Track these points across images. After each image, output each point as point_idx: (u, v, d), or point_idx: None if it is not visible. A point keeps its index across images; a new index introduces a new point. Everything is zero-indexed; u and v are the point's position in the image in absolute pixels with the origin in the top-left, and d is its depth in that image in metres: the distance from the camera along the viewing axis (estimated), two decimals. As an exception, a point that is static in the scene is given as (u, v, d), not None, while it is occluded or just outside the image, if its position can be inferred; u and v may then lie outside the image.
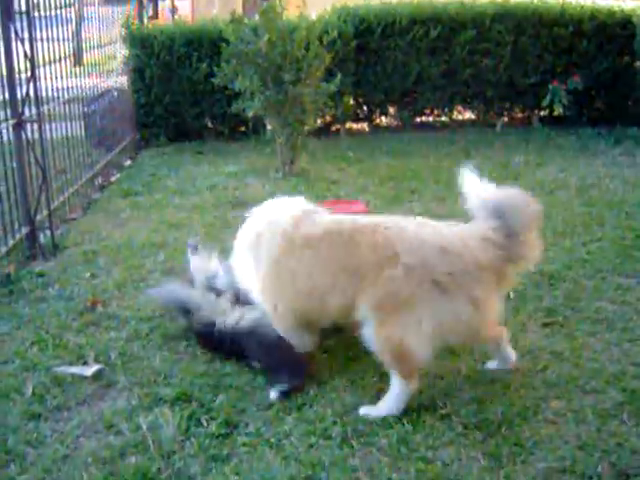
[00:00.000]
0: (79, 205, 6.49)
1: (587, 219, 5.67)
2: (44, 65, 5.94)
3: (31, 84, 5.26)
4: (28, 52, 5.26)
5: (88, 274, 4.80)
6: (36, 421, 3.15)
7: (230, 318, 3.67)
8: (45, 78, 5.92)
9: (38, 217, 5.42)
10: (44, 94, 6.05)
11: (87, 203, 6.64)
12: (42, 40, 6.05)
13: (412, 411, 3.13)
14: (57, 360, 3.66)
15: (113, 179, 7.50)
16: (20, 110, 5.15)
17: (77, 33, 7.98)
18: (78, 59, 7.90)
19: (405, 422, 3.05)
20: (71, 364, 3.62)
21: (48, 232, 5.50)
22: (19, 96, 5.14)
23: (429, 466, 2.78)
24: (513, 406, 3.18)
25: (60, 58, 6.49)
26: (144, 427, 3.06)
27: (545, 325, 3.98)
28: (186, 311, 3.91)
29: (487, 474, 2.75)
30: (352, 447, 2.92)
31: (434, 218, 5.72)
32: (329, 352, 3.70)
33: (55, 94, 6.31)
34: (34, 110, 5.40)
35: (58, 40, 6.49)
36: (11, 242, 5.02)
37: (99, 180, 7.31)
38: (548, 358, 3.61)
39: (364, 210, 5.95)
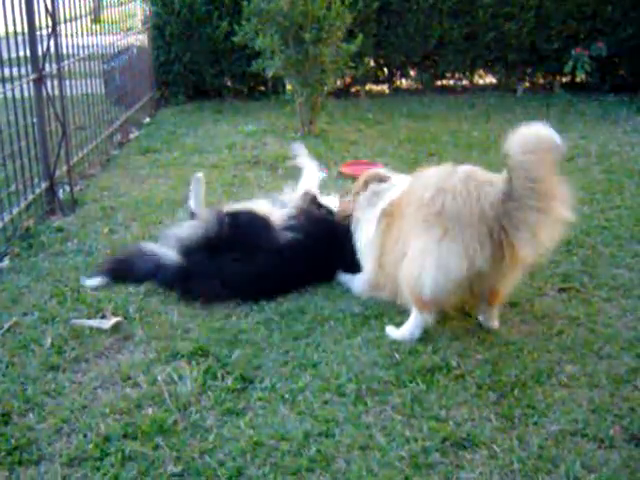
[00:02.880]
0: (98, 161, 6.50)
1: (606, 186, 5.62)
2: (64, 22, 5.90)
3: (52, 40, 5.25)
4: (49, 7, 5.23)
5: (106, 229, 4.83)
6: (55, 372, 3.20)
7: None
8: (65, 35, 5.90)
9: (57, 172, 5.45)
10: (64, 51, 6.05)
11: (106, 159, 6.66)
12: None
13: (426, 371, 3.15)
14: (76, 313, 3.70)
15: (132, 136, 7.51)
16: (41, 65, 5.14)
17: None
18: (96, 16, 7.86)
19: (419, 381, 3.08)
20: (89, 317, 3.67)
21: (67, 187, 5.54)
22: (40, 52, 5.13)
23: (442, 425, 2.81)
24: (527, 369, 3.20)
25: (79, 15, 6.46)
26: (161, 380, 3.10)
27: (561, 290, 3.97)
28: None
29: (499, 434, 2.77)
30: (366, 404, 2.95)
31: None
32: (345, 311, 3.72)
33: (74, 51, 6.29)
34: (54, 66, 5.39)
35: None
36: (30, 197, 5.05)
37: (118, 137, 7.32)
38: (563, 323, 3.62)
39: (383, 172, 5.94)
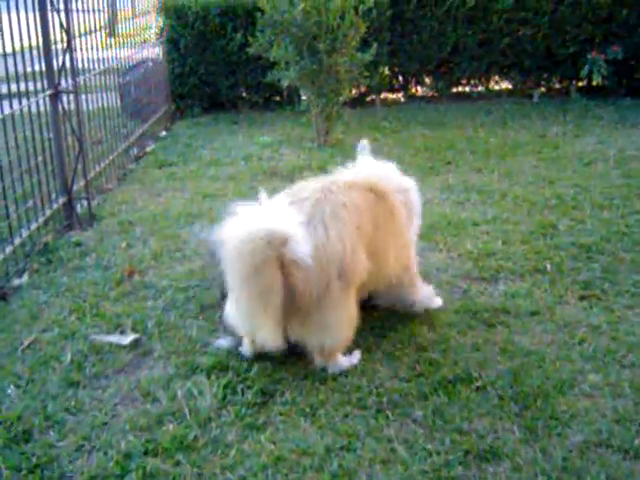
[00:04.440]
0: (115, 176, 6.53)
1: (626, 191, 5.57)
2: (79, 36, 5.94)
3: (67, 54, 5.28)
4: (64, 22, 5.27)
5: (124, 244, 4.84)
6: (75, 388, 3.20)
7: None
8: (80, 49, 5.94)
9: (75, 187, 5.47)
10: (79, 65, 6.09)
11: (122, 174, 6.69)
12: (77, 11, 6.06)
13: (448, 382, 3.13)
14: (95, 329, 3.71)
15: (148, 149, 7.54)
16: (56, 80, 5.17)
17: (111, 4, 7.98)
18: (112, 30, 7.91)
19: (441, 393, 3.05)
20: (109, 333, 3.67)
21: (85, 202, 5.56)
22: (55, 66, 5.16)
23: (464, 437, 2.78)
24: (549, 379, 3.16)
25: (95, 29, 6.51)
26: (180, 395, 3.09)
27: (582, 298, 3.93)
28: None
29: (522, 446, 2.73)
30: (387, 417, 2.93)
31: (470, 189, 5.74)
32: (365, 324, 3.69)
33: (90, 65, 6.32)
34: (70, 81, 5.42)
35: (92, 11, 6.51)
36: (48, 212, 5.08)
37: (134, 151, 7.35)
38: (585, 331, 3.57)
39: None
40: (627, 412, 2.92)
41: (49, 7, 5.08)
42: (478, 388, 3.09)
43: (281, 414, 2.99)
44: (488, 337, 3.54)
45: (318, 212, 3.28)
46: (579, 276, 4.17)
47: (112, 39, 7.56)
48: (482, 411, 2.94)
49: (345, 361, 3.33)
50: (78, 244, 4.87)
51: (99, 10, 6.78)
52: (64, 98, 5.31)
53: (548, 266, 4.29)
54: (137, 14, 8.36)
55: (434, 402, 3.00)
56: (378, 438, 2.81)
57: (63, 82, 5.30)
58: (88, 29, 6.26)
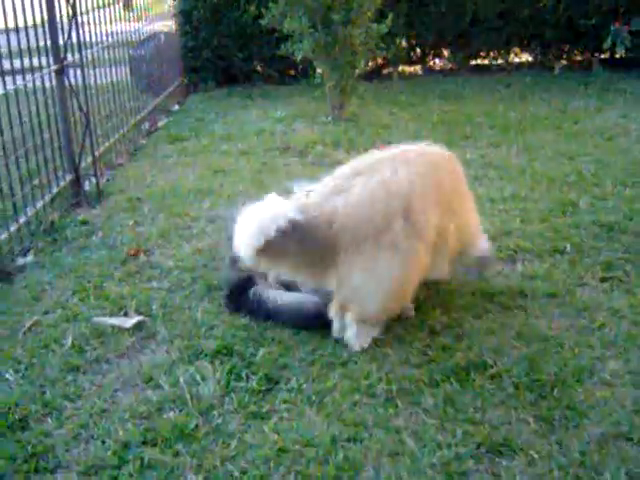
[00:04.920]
0: (125, 151, 6.42)
1: (649, 167, 5.38)
2: (87, 10, 5.80)
3: (73, 29, 5.14)
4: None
5: (132, 221, 4.73)
6: (75, 373, 3.10)
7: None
8: (89, 23, 5.81)
9: (83, 164, 5.37)
10: (89, 39, 5.96)
11: (134, 149, 6.57)
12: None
13: (460, 369, 2.99)
14: (98, 310, 3.60)
15: (160, 124, 7.41)
16: (62, 55, 5.04)
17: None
18: (127, 3, 7.74)
19: (453, 381, 2.92)
20: (112, 315, 3.57)
21: (93, 179, 5.46)
22: (61, 41, 5.03)
23: (477, 429, 2.64)
24: (567, 366, 3.01)
25: (106, 3, 6.37)
26: (183, 382, 2.98)
27: (603, 280, 3.76)
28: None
29: (537, 438, 2.60)
30: (397, 406, 2.80)
31: (488, 164, 5.57)
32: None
33: (101, 39, 6.19)
34: (77, 55, 5.29)
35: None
36: (55, 190, 4.98)
37: (146, 125, 7.23)
38: (605, 315, 3.42)
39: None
40: (649, 402, 2.78)
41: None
42: (492, 376, 2.95)
43: (286, 402, 2.88)
44: (504, 321, 3.39)
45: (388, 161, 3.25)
46: (600, 257, 4.00)
47: (128, 12, 7.39)
48: (496, 400, 2.80)
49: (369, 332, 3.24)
50: (84, 222, 4.77)
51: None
52: (70, 73, 5.19)
53: (568, 246, 4.12)
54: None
55: (446, 390, 2.87)
56: (386, 428, 2.68)
57: (69, 57, 5.17)
58: (99, 2, 6.10)
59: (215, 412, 2.81)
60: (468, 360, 3.05)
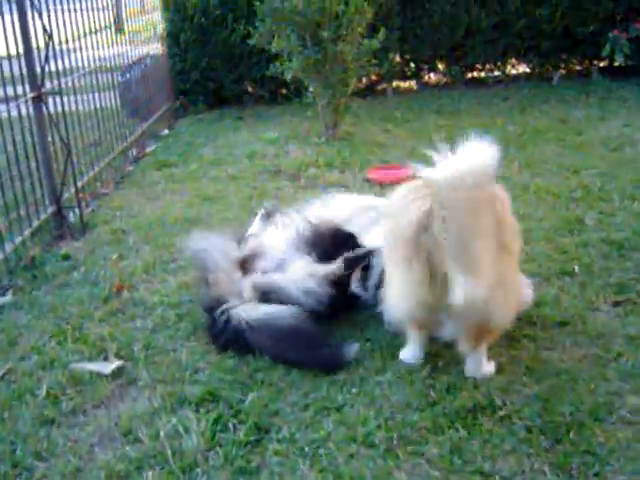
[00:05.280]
0: (111, 179, 6.19)
1: (658, 179, 5.14)
2: (67, 39, 5.59)
3: (51, 56, 4.93)
4: (46, 23, 4.90)
5: (115, 255, 4.49)
6: (48, 427, 2.85)
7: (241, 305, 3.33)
8: (71, 50, 5.63)
9: (65, 195, 5.15)
10: (72, 64, 5.77)
11: (120, 177, 6.34)
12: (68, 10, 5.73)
13: (467, 412, 2.73)
14: (76, 355, 3.35)
15: (148, 150, 7.18)
16: (39, 82, 4.82)
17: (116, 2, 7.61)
18: (118, 27, 7.55)
19: (459, 426, 2.66)
20: (90, 359, 3.32)
21: (77, 210, 5.22)
22: (37, 69, 4.82)
23: (487, 481, 2.40)
24: (583, 403, 2.76)
25: (100, 28, 6.21)
26: (164, 435, 2.73)
27: (616, 304, 3.52)
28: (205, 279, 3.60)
29: (556, 491, 2.35)
30: (397, 457, 2.55)
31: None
32: (373, 342, 3.32)
33: (85, 64, 5.99)
34: (56, 82, 5.08)
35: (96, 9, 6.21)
36: (36, 223, 4.75)
37: (133, 152, 7.00)
38: (621, 343, 3.17)
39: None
40: (676, 443, 2.53)
41: (29, 8, 4.74)
42: (502, 418, 2.70)
43: (277, 454, 2.63)
44: (512, 354, 3.14)
45: None
46: (611, 278, 3.76)
47: (120, 34, 7.21)
48: (507, 447, 2.55)
49: (488, 366, 3.00)
50: (66, 257, 4.52)
51: (101, 9, 6.43)
52: (50, 101, 4.97)
53: (576, 267, 3.88)
54: (143, 11, 8.00)
55: (451, 437, 2.62)
56: (387, 483, 2.43)
57: (48, 84, 4.96)
58: (81, 30, 5.90)
59: (199, 469, 2.56)
60: (475, 401, 2.79)
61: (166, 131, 7.98)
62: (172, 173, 6.26)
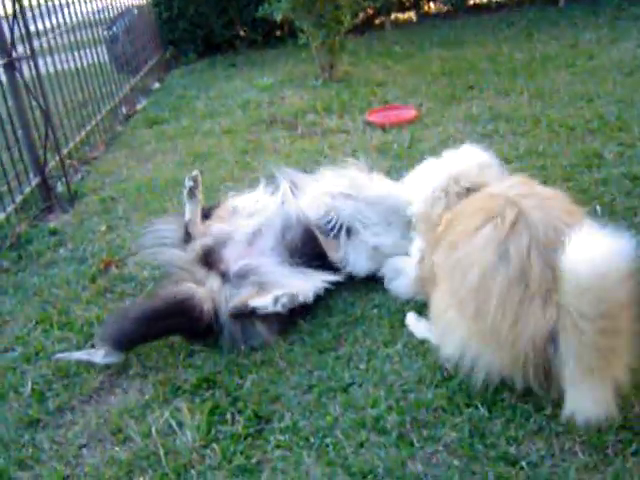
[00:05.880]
0: (101, 142, 5.89)
1: (680, 103, 4.76)
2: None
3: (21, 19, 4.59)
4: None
5: (104, 227, 4.23)
6: (33, 430, 2.63)
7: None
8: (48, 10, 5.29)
9: (52, 164, 4.87)
10: (49, 24, 5.45)
11: (110, 137, 6.04)
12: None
13: (486, 387, 2.45)
14: (62, 344, 3.11)
15: (139, 107, 6.85)
16: (9, 48, 4.49)
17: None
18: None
19: (478, 404, 2.39)
20: (78, 347, 3.08)
21: (64, 179, 4.94)
22: (7, 33, 4.48)
23: (513, 470, 2.13)
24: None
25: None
26: (156, 432, 2.50)
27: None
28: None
29: (590, 475, 2.09)
30: (412, 444, 2.29)
31: (497, 117, 4.99)
32: (381, 308, 3.05)
33: (64, 21, 5.65)
34: (27, 46, 4.75)
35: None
36: (19, 198, 4.48)
37: (123, 110, 6.67)
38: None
39: (415, 115, 5.21)
40: None
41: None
42: (525, 392, 2.41)
43: (279, 446, 2.39)
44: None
45: None
46: (636, 218, 3.45)
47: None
48: (534, 427, 2.28)
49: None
50: (54, 232, 4.27)
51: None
52: (22, 67, 4.64)
53: (598, 208, 3.57)
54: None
55: (471, 417, 2.35)
56: (401, 478, 2.18)
57: (21, 49, 4.64)
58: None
59: (194, 471, 2.33)
60: (495, 375, 2.52)
61: (157, 85, 7.62)
62: (163, 130, 5.94)
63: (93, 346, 3.06)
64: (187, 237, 3.33)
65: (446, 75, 6.19)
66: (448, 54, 6.90)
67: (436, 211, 2.75)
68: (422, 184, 2.93)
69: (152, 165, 5.17)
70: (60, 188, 4.91)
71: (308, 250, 3.16)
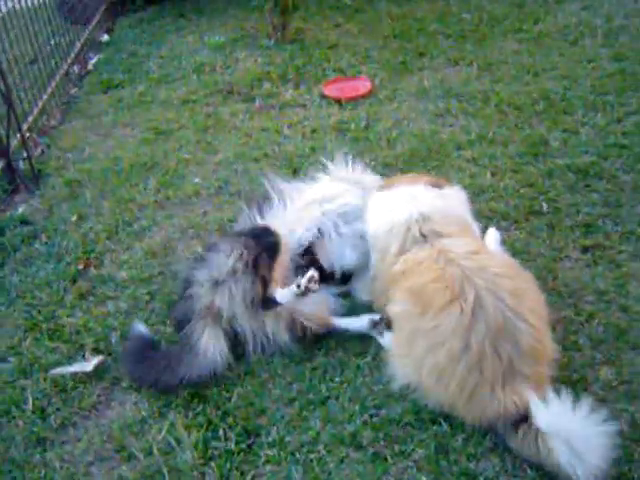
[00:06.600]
0: (58, 108, 5.91)
1: (619, 82, 5.05)
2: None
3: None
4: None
5: (75, 217, 4.37)
6: (42, 448, 2.89)
7: None
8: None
9: (14, 142, 4.93)
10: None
11: (65, 102, 6.05)
12: None
13: (448, 403, 2.82)
14: (54, 355, 3.33)
15: (91, 65, 6.82)
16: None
17: None
18: None
19: (441, 420, 2.74)
20: (69, 357, 3.31)
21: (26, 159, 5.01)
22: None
23: (474, 484, 2.51)
24: (558, 382, 2.82)
25: None
26: (157, 450, 2.79)
27: (585, 250, 3.56)
28: None
29: (539, 491, 2.48)
30: (386, 460, 2.64)
31: (449, 92, 5.21)
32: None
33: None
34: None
35: None
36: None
37: (75, 69, 6.64)
38: (592, 301, 3.24)
39: (369, 89, 5.39)
40: (647, 421, 2.66)
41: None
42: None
43: (269, 461, 2.71)
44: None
45: None
46: (579, 216, 3.78)
47: None
48: (489, 444, 2.65)
49: None
50: (24, 220, 4.40)
51: None
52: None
53: (544, 205, 3.89)
54: None
55: (436, 433, 2.71)
56: (379, 493, 2.55)
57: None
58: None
59: (197, 489, 2.65)
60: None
61: (106, 36, 7.53)
62: (120, 97, 5.98)
63: (83, 356, 3.31)
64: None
65: (397, 38, 6.32)
66: (398, 11, 7.00)
67: (392, 250, 3.02)
68: (385, 213, 3.16)
69: (113, 141, 5.26)
70: (23, 166, 4.98)
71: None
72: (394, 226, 3.03)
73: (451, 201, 3.17)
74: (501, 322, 2.56)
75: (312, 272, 3.15)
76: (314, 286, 3.13)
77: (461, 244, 2.83)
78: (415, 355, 2.73)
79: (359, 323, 3.19)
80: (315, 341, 3.20)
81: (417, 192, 3.15)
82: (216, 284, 3.17)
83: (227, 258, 3.20)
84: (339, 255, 3.47)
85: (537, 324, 2.61)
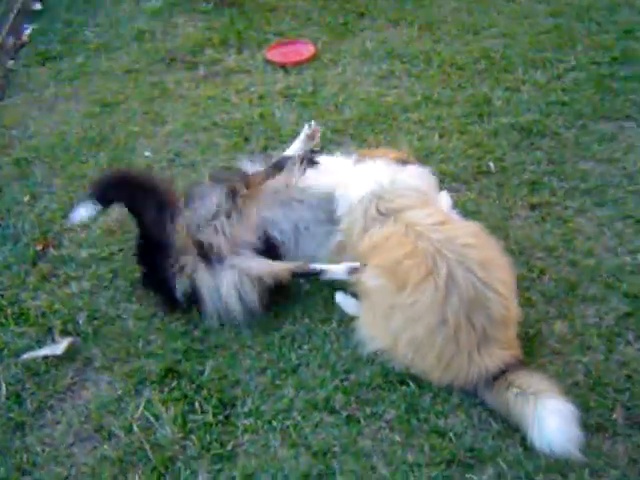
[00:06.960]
0: (-4, 84, 5.78)
1: (556, 37, 5.21)
2: None
3: None
4: None
5: (27, 197, 4.33)
6: (21, 433, 2.93)
7: None
8: None
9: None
10: None
11: (3, 77, 5.91)
12: None
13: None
14: (23, 339, 3.34)
15: (25, 35, 6.63)
16: None
17: None
18: None
19: (409, 380, 2.89)
20: (39, 342, 3.34)
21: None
22: None
23: (443, 442, 2.67)
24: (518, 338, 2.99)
25: None
26: (137, 427, 2.87)
27: (533, 207, 3.73)
28: None
29: (502, 442, 2.65)
30: (359, 423, 2.79)
31: (391, 54, 5.28)
32: (311, 284, 3.45)
33: None
34: None
35: None
36: None
37: (10, 40, 6.46)
38: (542, 257, 3.42)
39: (313, 53, 5.42)
40: (599, 370, 2.86)
41: None
42: (447, 365, 2.95)
43: (247, 430, 2.83)
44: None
45: None
46: (525, 175, 3.95)
47: None
48: (455, 400, 2.81)
49: None
50: (-24, 202, 4.36)
51: None
52: None
53: (492, 165, 4.04)
54: None
55: (405, 395, 2.86)
56: (355, 454, 2.69)
57: None
58: None
59: (179, 462, 2.74)
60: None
61: (38, 5, 7.30)
62: (59, 69, 5.85)
63: (53, 339, 3.34)
64: None
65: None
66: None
67: (356, 230, 3.13)
68: (345, 193, 3.26)
69: (57, 116, 5.18)
70: (-33, 145, 4.90)
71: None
72: (353, 208, 3.15)
73: (411, 176, 3.27)
74: (473, 294, 2.71)
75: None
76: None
77: (424, 215, 2.95)
78: (392, 329, 2.86)
79: (336, 268, 3.23)
80: (281, 309, 3.31)
81: (375, 169, 3.25)
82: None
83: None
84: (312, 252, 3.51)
85: (505, 292, 2.77)
